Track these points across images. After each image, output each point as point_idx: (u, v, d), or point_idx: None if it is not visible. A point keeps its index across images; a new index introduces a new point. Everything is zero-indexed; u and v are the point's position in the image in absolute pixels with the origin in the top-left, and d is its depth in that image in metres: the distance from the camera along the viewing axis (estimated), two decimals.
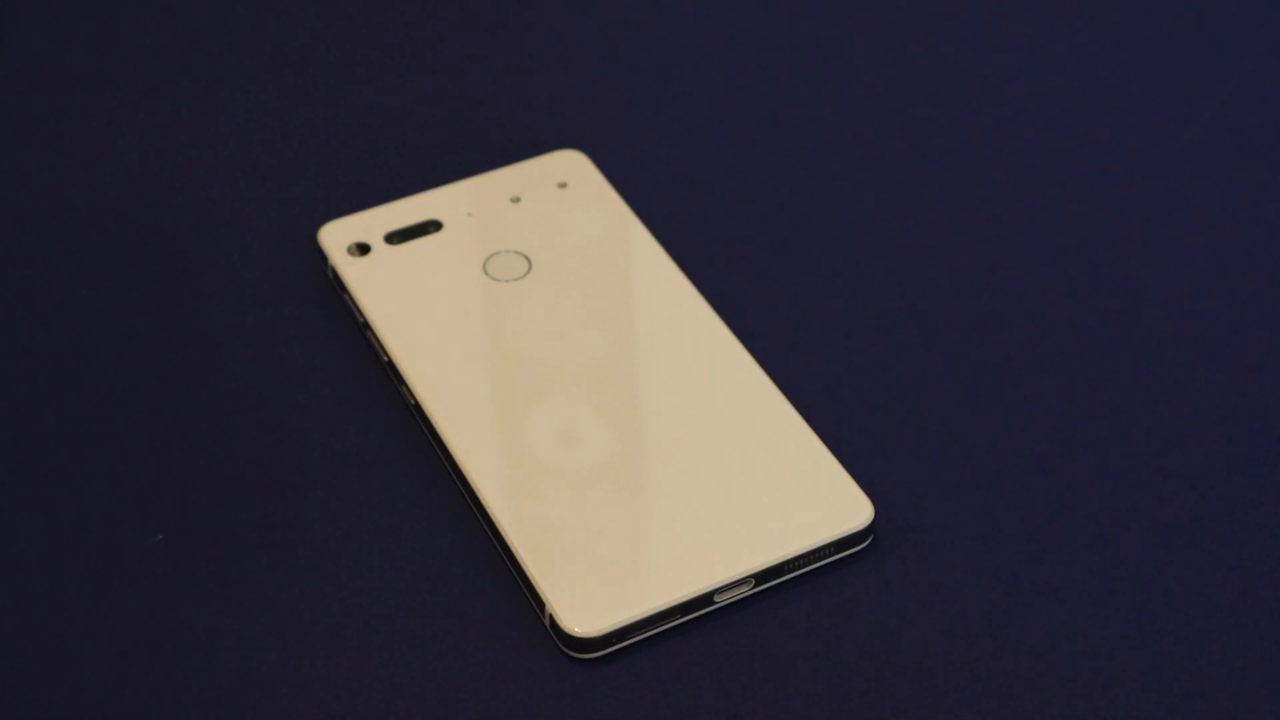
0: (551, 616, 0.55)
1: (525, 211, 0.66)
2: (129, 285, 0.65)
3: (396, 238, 0.65)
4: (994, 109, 0.72)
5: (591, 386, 0.61)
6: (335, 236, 0.65)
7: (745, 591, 0.57)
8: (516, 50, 0.74)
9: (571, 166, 0.68)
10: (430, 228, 0.66)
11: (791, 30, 0.75)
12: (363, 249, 0.65)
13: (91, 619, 0.56)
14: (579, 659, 0.56)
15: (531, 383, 0.61)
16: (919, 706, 0.55)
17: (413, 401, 0.61)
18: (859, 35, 0.74)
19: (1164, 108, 0.72)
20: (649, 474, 0.59)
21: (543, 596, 0.56)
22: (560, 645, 0.56)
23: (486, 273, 0.64)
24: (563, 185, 0.67)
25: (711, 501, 0.58)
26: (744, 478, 0.58)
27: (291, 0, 0.76)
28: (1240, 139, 0.71)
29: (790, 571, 0.57)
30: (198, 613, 0.56)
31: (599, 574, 0.56)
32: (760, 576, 0.57)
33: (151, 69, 0.73)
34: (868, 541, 0.58)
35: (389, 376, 0.62)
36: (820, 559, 0.57)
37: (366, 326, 0.63)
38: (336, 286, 0.65)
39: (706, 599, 0.56)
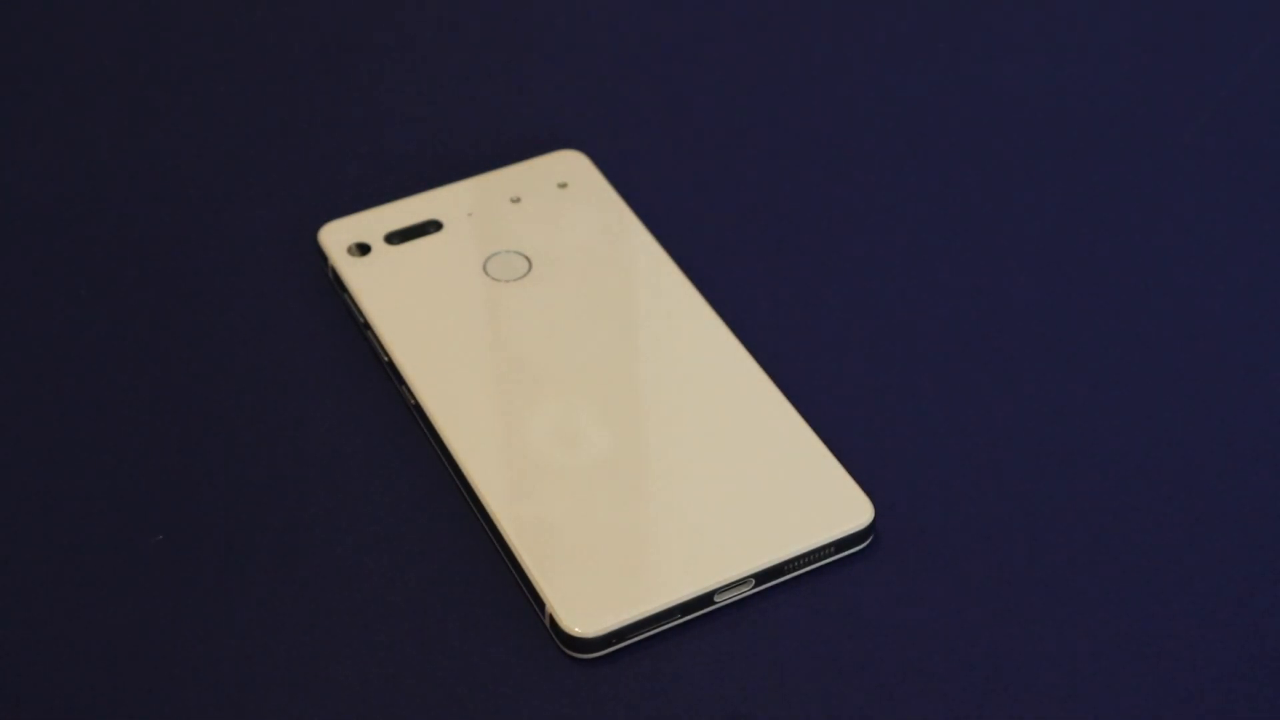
0: (551, 616, 0.55)
1: (525, 211, 0.66)
2: (129, 285, 0.65)
3: (396, 238, 0.65)
4: (995, 108, 0.71)
5: (591, 386, 0.61)
6: (335, 236, 0.65)
7: (745, 591, 0.57)
8: (516, 50, 0.74)
9: (571, 166, 0.68)
10: (430, 228, 0.66)
11: (791, 30, 0.75)
12: (363, 249, 0.65)
13: (91, 619, 0.56)
14: (579, 659, 0.56)
15: (531, 383, 0.61)
16: (919, 707, 0.55)
17: (413, 401, 0.61)
18: (859, 34, 0.74)
19: (1164, 108, 0.72)
20: (649, 474, 0.59)
21: (543, 596, 0.56)
22: (560, 645, 0.56)
23: (486, 273, 0.64)
24: (563, 185, 0.67)
25: (711, 501, 0.58)
26: (744, 478, 0.58)
27: (292, 0, 0.76)
28: (1241, 138, 0.71)
29: (790, 571, 0.57)
30: (198, 613, 0.56)
31: (599, 574, 0.56)
32: (760, 576, 0.57)
33: (152, 69, 0.73)
34: (868, 541, 0.58)
35: (389, 376, 0.62)
36: (820, 559, 0.57)
37: (366, 326, 0.63)
38: (336, 286, 0.65)
39: (706, 599, 0.56)
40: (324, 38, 0.74)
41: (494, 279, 0.64)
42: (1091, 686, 0.55)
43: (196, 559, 0.58)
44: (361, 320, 0.63)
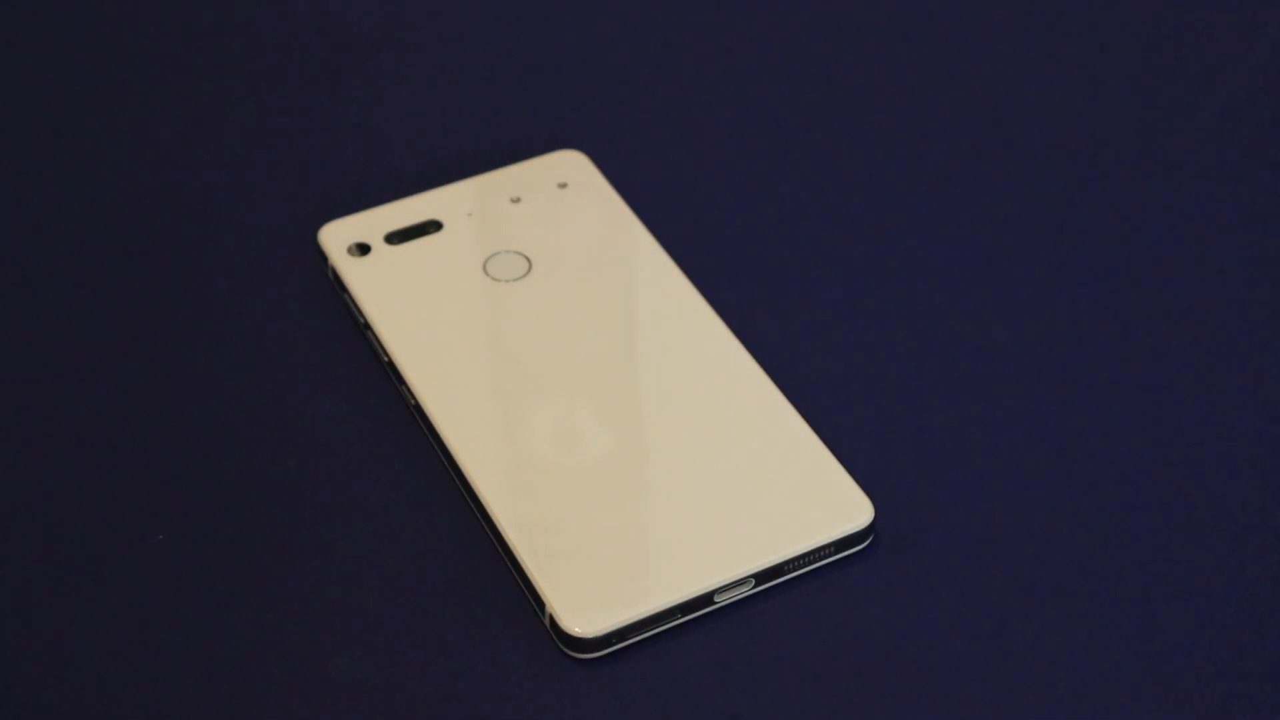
0: (551, 616, 0.55)
1: (525, 211, 0.66)
2: (129, 285, 0.65)
3: (396, 238, 0.65)
4: (996, 109, 0.71)
5: (591, 386, 0.61)
6: (335, 236, 0.65)
7: (745, 591, 0.57)
8: (516, 50, 0.74)
9: (571, 166, 0.68)
10: (430, 228, 0.66)
11: (792, 30, 0.75)
12: (363, 249, 0.65)
13: (92, 619, 0.56)
14: (579, 659, 0.56)
15: (531, 383, 0.61)
16: (919, 706, 0.55)
17: (413, 401, 0.61)
18: (859, 35, 0.74)
19: (1163, 108, 0.72)
20: (649, 474, 0.59)
21: (543, 596, 0.56)
22: (560, 645, 0.56)
23: (486, 273, 0.64)
24: (563, 185, 0.67)
25: (711, 501, 0.58)
26: (744, 478, 0.58)
27: (292, 0, 0.76)
28: (1240, 139, 0.71)
29: (790, 571, 0.57)
30: (198, 612, 0.56)
31: (599, 574, 0.56)
32: (760, 576, 0.57)
33: (152, 69, 0.73)
34: (868, 541, 0.58)
35: (389, 376, 0.62)
36: (820, 559, 0.57)
37: (366, 326, 0.63)
38: (336, 286, 0.65)
39: (706, 599, 0.56)
40: (324, 37, 0.74)
41: (494, 279, 0.64)
42: (1091, 686, 0.55)
43: (196, 559, 0.58)
44: (361, 320, 0.63)
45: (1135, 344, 0.64)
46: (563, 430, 0.60)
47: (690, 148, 0.70)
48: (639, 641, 0.56)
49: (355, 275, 0.64)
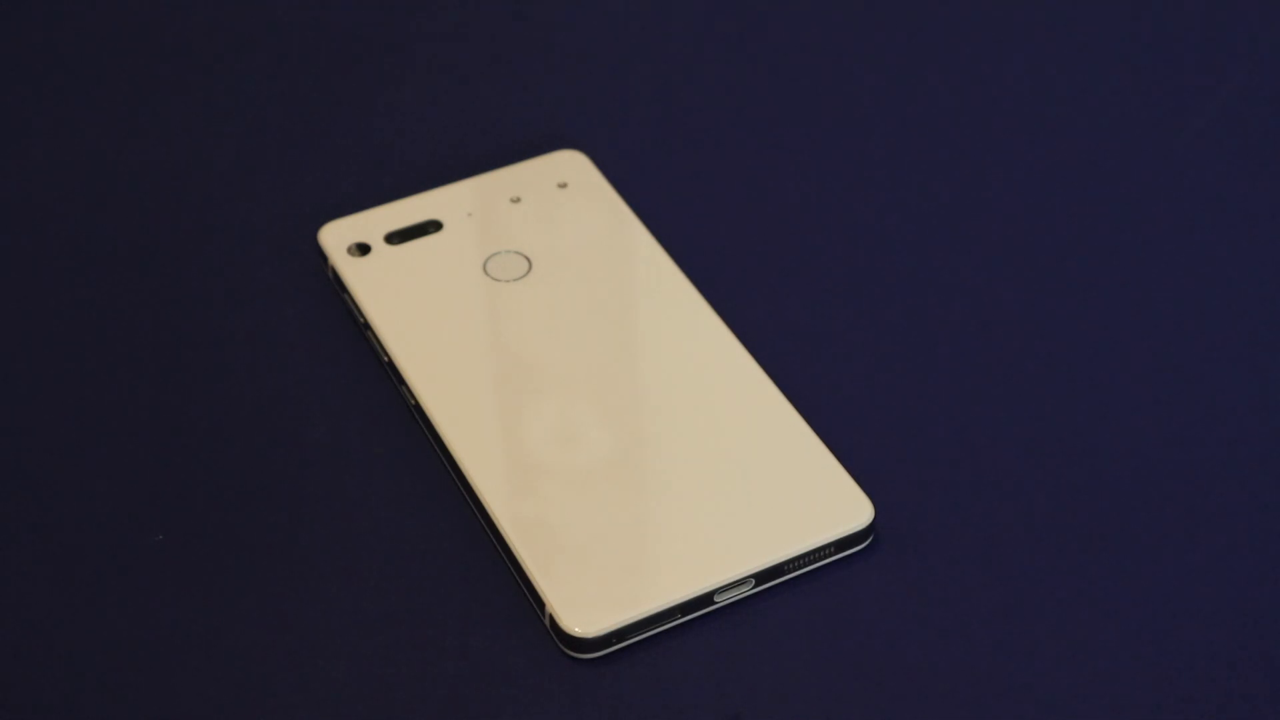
0: (551, 616, 0.55)
1: (525, 211, 0.66)
2: (129, 285, 0.65)
3: (396, 238, 0.65)
4: (997, 110, 0.71)
5: (591, 386, 0.61)
6: (335, 236, 0.65)
7: (745, 591, 0.57)
8: (516, 50, 0.74)
9: (571, 166, 0.68)
10: (430, 228, 0.66)
11: (793, 29, 0.75)
12: (363, 249, 0.65)
13: (92, 619, 0.56)
14: (579, 659, 0.56)
15: (531, 383, 0.61)
16: (919, 707, 0.55)
17: (413, 401, 0.61)
18: (860, 35, 0.74)
19: (1163, 109, 0.72)
20: (649, 474, 0.59)
21: (543, 596, 0.56)
22: (560, 645, 0.56)
23: (486, 273, 0.64)
24: (563, 185, 0.67)
25: (711, 501, 0.58)
26: (744, 478, 0.58)
27: (292, 1, 0.76)
28: (1241, 139, 0.71)
29: (790, 571, 0.57)
30: (198, 613, 0.56)
31: (599, 574, 0.56)
32: (760, 576, 0.57)
33: (152, 68, 0.73)
34: (868, 541, 0.58)
35: (389, 376, 0.62)
36: (820, 559, 0.57)
37: (366, 326, 0.63)
38: (336, 286, 0.65)
39: (706, 599, 0.56)
40: (324, 38, 0.74)
41: (494, 279, 0.64)
42: (1091, 686, 0.55)
43: (196, 559, 0.58)
44: (361, 320, 0.63)
45: (1136, 344, 0.64)
46: (562, 430, 0.60)
47: (690, 148, 0.70)
48: (639, 641, 0.56)
49: (355, 275, 0.64)
